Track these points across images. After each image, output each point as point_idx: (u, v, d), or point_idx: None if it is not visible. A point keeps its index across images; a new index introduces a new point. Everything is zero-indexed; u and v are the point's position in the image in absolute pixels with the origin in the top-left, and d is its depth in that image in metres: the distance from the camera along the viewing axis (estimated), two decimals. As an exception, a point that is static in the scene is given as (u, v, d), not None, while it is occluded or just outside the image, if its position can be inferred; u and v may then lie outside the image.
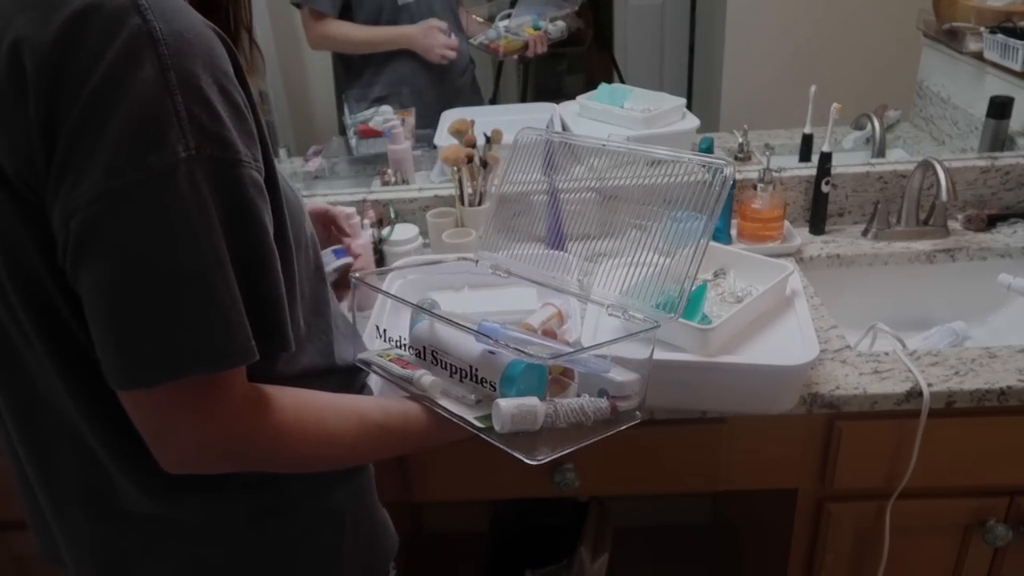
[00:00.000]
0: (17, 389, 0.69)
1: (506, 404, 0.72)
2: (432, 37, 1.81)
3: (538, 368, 0.75)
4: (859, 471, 1.12)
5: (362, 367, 0.83)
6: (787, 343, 1.01)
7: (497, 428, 0.73)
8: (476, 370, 0.76)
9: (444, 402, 0.78)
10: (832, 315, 1.24)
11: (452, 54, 1.83)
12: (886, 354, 1.13)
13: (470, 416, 0.76)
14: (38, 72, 0.54)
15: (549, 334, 0.83)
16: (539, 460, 0.74)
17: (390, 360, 0.82)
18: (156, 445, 0.62)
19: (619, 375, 0.81)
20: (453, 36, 1.84)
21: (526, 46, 1.88)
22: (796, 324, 1.04)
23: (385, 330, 0.87)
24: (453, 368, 0.78)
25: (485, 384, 0.75)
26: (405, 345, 0.84)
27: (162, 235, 0.56)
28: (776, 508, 1.28)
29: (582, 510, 1.64)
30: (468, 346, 0.79)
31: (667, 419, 1.08)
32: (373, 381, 0.88)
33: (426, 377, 0.78)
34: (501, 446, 0.75)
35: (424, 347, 0.80)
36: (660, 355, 1.00)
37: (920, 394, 1.04)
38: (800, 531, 1.21)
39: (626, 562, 1.79)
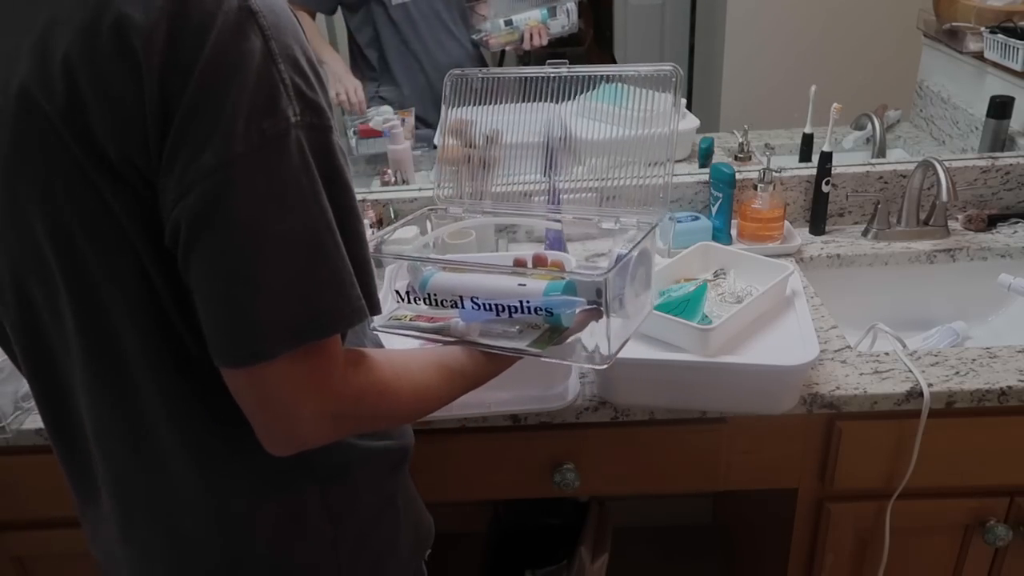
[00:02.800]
0: (115, 401, 0.68)
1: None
2: (345, 80, 1.78)
3: (571, 284, 0.77)
4: (859, 471, 1.12)
5: (385, 332, 0.84)
6: (787, 343, 1.01)
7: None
8: (527, 302, 0.77)
9: (486, 340, 0.79)
10: (832, 315, 1.24)
11: (349, 105, 1.78)
12: (886, 354, 1.13)
13: (522, 344, 0.77)
14: (148, 51, 0.55)
15: (541, 260, 0.84)
16: (611, 358, 0.79)
17: (410, 320, 0.83)
18: (269, 425, 0.62)
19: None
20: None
21: (521, 39, 1.85)
22: (796, 324, 1.04)
23: (408, 292, 0.87)
24: (500, 307, 0.78)
25: (539, 312, 0.77)
26: (429, 298, 0.83)
27: (280, 201, 0.57)
28: (776, 508, 1.28)
29: (582, 510, 1.64)
30: (501, 283, 0.80)
31: (667, 419, 1.08)
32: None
33: (459, 323, 0.79)
34: (563, 360, 0.79)
35: (460, 296, 0.81)
36: (660, 355, 1.00)
37: (920, 394, 1.04)
38: (800, 531, 1.21)
39: (626, 562, 1.79)
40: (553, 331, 0.77)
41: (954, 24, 1.63)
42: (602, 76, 0.92)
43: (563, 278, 0.77)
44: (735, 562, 1.77)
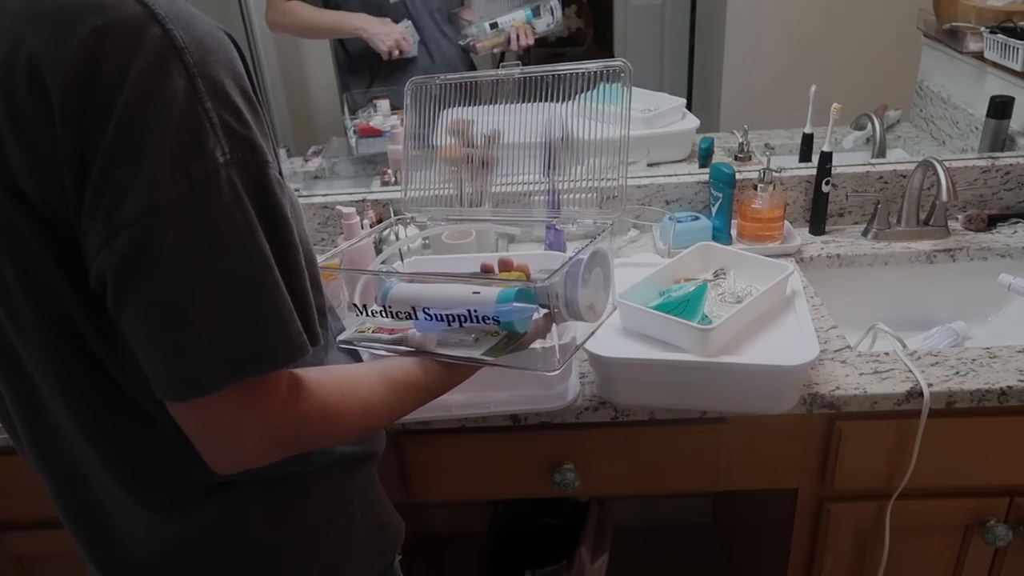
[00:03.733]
0: (25, 409, 0.69)
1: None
2: (386, 26, 1.79)
3: (524, 291, 0.78)
4: (859, 471, 1.12)
5: (347, 347, 0.84)
6: (787, 343, 1.01)
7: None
8: (475, 311, 0.77)
9: (443, 350, 0.79)
10: (832, 315, 1.24)
11: (406, 46, 1.80)
12: (886, 354, 1.13)
13: (476, 353, 0.77)
14: (63, 93, 0.53)
15: (505, 263, 0.84)
16: (557, 368, 0.79)
17: (372, 332, 0.83)
18: (213, 450, 0.63)
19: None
20: (416, 33, 1.82)
21: (508, 41, 1.85)
22: (796, 324, 1.04)
23: (365, 305, 0.87)
24: (451, 317, 0.79)
25: (487, 321, 0.77)
26: (386, 311, 0.84)
27: (212, 243, 0.56)
28: (776, 508, 1.28)
29: (582, 510, 1.64)
30: (455, 293, 0.80)
31: (667, 419, 1.08)
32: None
33: (416, 334, 0.80)
34: (515, 367, 0.79)
35: (413, 307, 0.81)
36: (660, 355, 1.00)
37: (920, 394, 1.04)
38: (800, 531, 1.21)
39: (626, 562, 1.79)
40: (510, 338, 0.78)
41: (954, 24, 1.63)
42: (561, 75, 0.91)
43: (515, 286, 0.77)
44: (735, 562, 1.77)
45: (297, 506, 0.76)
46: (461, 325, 0.79)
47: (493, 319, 0.76)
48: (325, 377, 0.68)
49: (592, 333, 0.87)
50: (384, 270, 0.90)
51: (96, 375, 0.64)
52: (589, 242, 0.80)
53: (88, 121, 0.53)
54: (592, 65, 0.88)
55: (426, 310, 0.79)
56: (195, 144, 0.55)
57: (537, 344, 0.79)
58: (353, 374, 0.72)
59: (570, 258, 0.78)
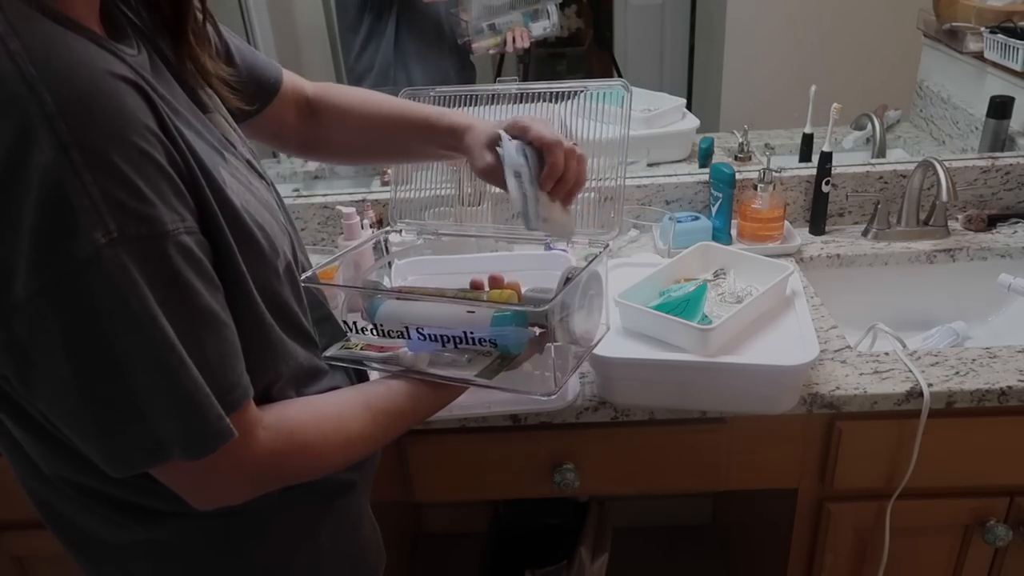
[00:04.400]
0: None
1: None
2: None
3: (520, 315, 0.77)
4: (859, 471, 1.12)
5: (335, 364, 0.83)
6: (787, 343, 1.01)
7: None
8: (471, 333, 0.77)
9: (434, 370, 0.79)
10: (832, 315, 1.24)
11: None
12: (886, 354, 1.13)
13: (470, 375, 0.77)
14: None
15: (496, 280, 0.84)
16: (556, 391, 0.78)
17: (360, 349, 0.83)
18: (189, 496, 0.63)
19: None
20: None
21: (504, 43, 1.85)
22: (796, 324, 1.04)
23: (355, 323, 0.87)
24: (446, 338, 0.78)
25: (483, 343, 0.77)
26: (378, 329, 0.83)
27: (105, 326, 0.53)
28: (776, 508, 1.28)
29: (582, 510, 1.64)
30: (449, 311, 0.79)
31: (667, 419, 1.08)
32: None
33: (408, 353, 0.79)
34: (512, 390, 0.78)
35: (406, 326, 0.80)
36: (660, 355, 1.00)
37: (920, 394, 1.04)
38: (800, 531, 1.21)
39: (626, 562, 1.79)
40: (504, 359, 0.77)
41: (954, 24, 1.63)
42: (553, 93, 0.92)
43: (510, 310, 0.76)
44: (735, 562, 1.77)
45: (256, 536, 0.73)
46: (456, 347, 0.78)
47: (490, 341, 0.76)
48: (305, 413, 0.67)
49: (588, 352, 0.87)
50: (372, 285, 0.89)
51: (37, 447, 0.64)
52: (586, 263, 0.79)
53: None
54: (592, 84, 0.88)
55: (420, 330, 0.78)
56: (70, 223, 0.50)
57: (531, 366, 0.79)
58: (336, 407, 0.71)
59: (566, 281, 0.77)
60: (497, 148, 0.81)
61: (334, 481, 0.78)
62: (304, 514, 0.77)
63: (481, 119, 0.87)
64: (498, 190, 0.85)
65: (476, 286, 0.83)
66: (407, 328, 0.79)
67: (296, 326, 0.73)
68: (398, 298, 0.84)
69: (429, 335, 0.78)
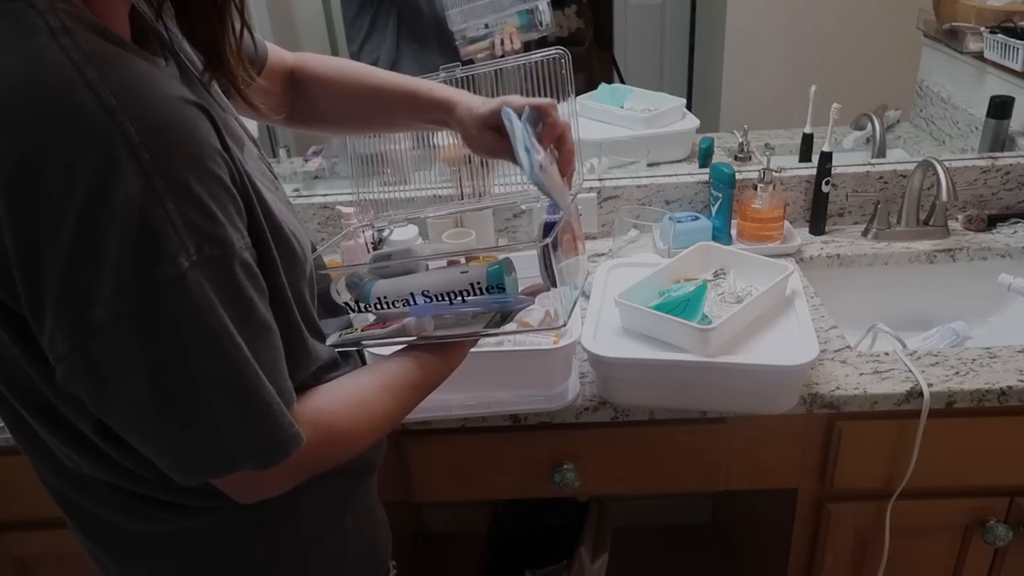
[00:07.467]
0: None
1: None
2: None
3: (508, 261, 0.80)
4: (859, 471, 1.12)
5: (342, 348, 0.84)
6: (787, 343, 1.01)
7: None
8: (478, 282, 0.78)
9: (441, 332, 0.80)
10: (832, 315, 1.24)
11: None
12: (886, 354, 1.13)
13: (478, 328, 0.80)
14: (5, 195, 0.50)
15: (470, 258, 0.87)
16: (565, 322, 0.81)
17: (363, 331, 0.84)
18: (234, 495, 0.64)
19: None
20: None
21: (492, 46, 1.84)
22: (796, 324, 1.04)
23: (357, 301, 0.87)
24: (452, 293, 0.80)
25: (492, 290, 0.78)
26: (380, 302, 0.84)
27: (185, 346, 0.54)
28: (776, 508, 1.28)
29: (582, 510, 1.64)
30: (445, 275, 0.81)
31: (667, 419, 1.08)
32: None
33: (413, 320, 0.80)
34: (521, 331, 0.84)
35: (411, 294, 0.82)
36: (660, 355, 1.00)
37: (920, 394, 1.04)
38: (800, 531, 1.21)
39: (626, 562, 1.79)
40: (503, 317, 0.80)
41: (954, 24, 1.63)
42: (501, 70, 0.93)
43: (497, 261, 0.79)
44: (735, 562, 1.77)
45: (288, 522, 0.75)
46: (464, 300, 0.80)
47: (496, 287, 0.78)
48: (337, 402, 0.69)
49: (579, 292, 0.89)
50: (352, 265, 0.91)
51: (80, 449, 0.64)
52: (561, 214, 0.82)
53: (37, 226, 0.50)
54: (534, 56, 0.89)
55: (425, 292, 0.80)
56: (156, 249, 0.51)
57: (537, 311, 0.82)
58: (358, 392, 0.72)
59: (548, 224, 0.80)
60: (506, 122, 0.82)
61: (358, 463, 0.80)
62: (332, 498, 0.79)
63: (465, 93, 0.89)
64: (499, 190, 0.85)
65: (453, 263, 0.85)
66: (412, 295, 0.81)
67: (313, 323, 0.75)
68: (380, 271, 0.85)
69: (436, 295, 0.80)
